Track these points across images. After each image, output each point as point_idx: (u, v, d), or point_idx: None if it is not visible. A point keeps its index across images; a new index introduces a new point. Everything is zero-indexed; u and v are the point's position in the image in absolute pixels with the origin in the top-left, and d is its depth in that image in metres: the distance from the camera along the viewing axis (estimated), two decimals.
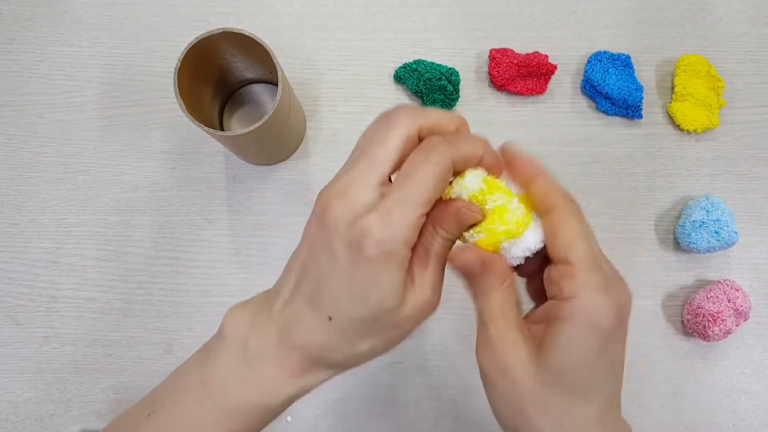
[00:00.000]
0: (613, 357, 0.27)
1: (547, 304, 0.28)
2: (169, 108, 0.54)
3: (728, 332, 0.49)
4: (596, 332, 0.26)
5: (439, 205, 0.28)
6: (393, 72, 0.54)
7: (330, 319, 0.28)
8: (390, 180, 0.28)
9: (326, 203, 0.27)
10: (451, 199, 0.28)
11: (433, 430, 0.51)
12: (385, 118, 0.28)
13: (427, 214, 0.27)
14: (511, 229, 0.28)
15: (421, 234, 0.28)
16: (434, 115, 0.28)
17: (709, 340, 0.50)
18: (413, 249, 0.28)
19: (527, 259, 0.29)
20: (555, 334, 0.26)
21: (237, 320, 0.31)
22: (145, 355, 0.51)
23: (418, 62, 0.53)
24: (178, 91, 0.41)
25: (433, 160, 0.26)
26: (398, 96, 0.55)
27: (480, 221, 0.29)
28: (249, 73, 0.51)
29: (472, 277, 0.29)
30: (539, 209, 0.29)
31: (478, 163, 0.28)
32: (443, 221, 0.28)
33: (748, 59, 0.55)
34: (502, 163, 0.29)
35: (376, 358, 0.30)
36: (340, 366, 0.30)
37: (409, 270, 0.28)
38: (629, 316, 0.28)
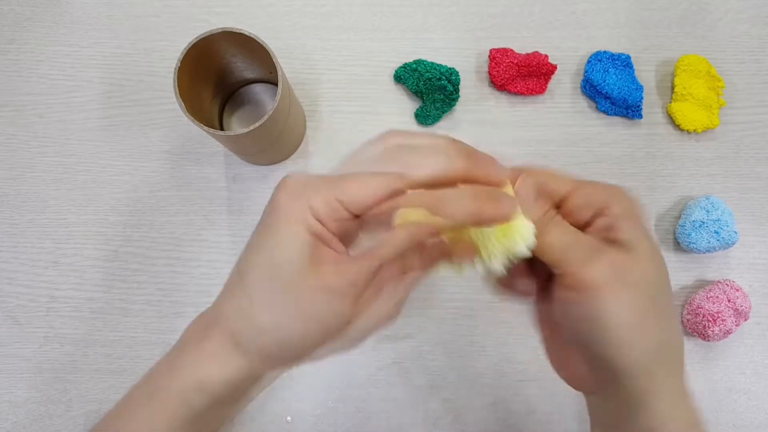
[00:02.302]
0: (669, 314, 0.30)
1: (598, 223, 0.30)
2: (169, 108, 0.54)
3: (728, 332, 0.49)
4: (644, 215, 0.30)
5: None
6: (393, 72, 0.54)
7: (241, 278, 0.28)
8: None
9: (284, 178, 0.29)
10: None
11: (433, 430, 0.51)
12: (390, 146, 0.29)
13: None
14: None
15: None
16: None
17: (709, 340, 0.50)
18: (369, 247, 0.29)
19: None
20: (628, 228, 0.29)
21: (193, 322, 0.33)
22: (145, 355, 0.51)
23: (418, 62, 0.53)
24: (178, 91, 0.41)
25: (383, 177, 0.27)
26: (398, 96, 0.55)
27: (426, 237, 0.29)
28: (249, 73, 0.51)
29: (534, 202, 0.30)
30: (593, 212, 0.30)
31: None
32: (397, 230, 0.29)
33: (748, 59, 0.55)
34: (503, 219, 0.29)
35: (285, 351, 0.28)
36: (249, 349, 0.28)
37: (346, 259, 0.28)
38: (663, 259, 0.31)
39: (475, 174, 0.28)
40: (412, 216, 0.29)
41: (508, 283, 0.33)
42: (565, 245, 0.29)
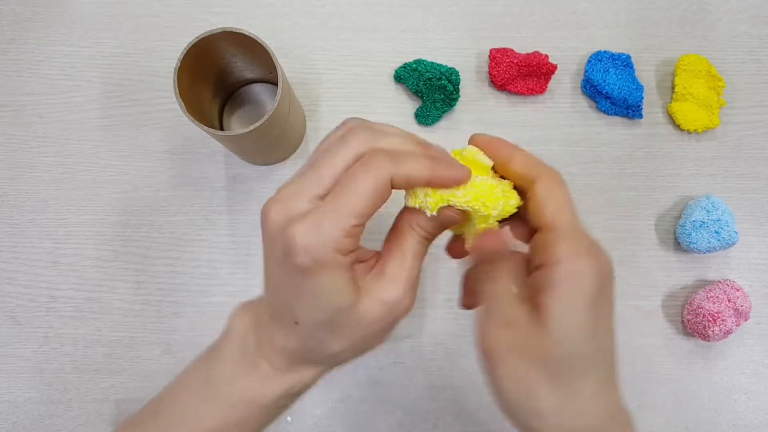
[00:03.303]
0: (604, 323, 0.28)
1: (534, 275, 0.28)
2: (169, 108, 0.54)
3: (728, 332, 0.49)
4: (584, 296, 0.26)
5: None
6: (393, 72, 0.54)
7: (296, 323, 0.29)
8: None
9: (266, 210, 0.28)
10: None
11: (433, 430, 0.51)
12: (342, 135, 0.28)
13: (398, 217, 0.29)
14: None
15: (397, 230, 0.30)
16: (391, 141, 0.28)
17: (709, 340, 0.50)
18: (388, 243, 0.29)
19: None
20: (549, 302, 0.26)
21: (241, 318, 0.32)
22: (145, 355, 0.51)
23: (418, 62, 0.53)
24: (178, 91, 0.41)
25: (371, 173, 0.26)
26: (398, 96, 0.55)
27: (459, 222, 0.30)
28: (249, 73, 0.51)
29: (490, 262, 0.29)
30: (523, 182, 0.30)
31: (427, 184, 0.28)
32: (420, 219, 0.29)
33: (748, 59, 0.55)
34: (458, 179, 0.29)
35: (363, 354, 0.30)
36: (324, 363, 0.31)
37: (380, 266, 0.29)
38: (613, 281, 0.28)
39: (441, 171, 0.29)
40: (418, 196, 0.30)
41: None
42: (483, 307, 0.29)
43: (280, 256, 0.27)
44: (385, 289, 0.28)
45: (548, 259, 0.27)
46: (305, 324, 0.28)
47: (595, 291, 0.26)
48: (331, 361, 0.31)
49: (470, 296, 0.34)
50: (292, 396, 0.32)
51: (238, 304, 0.33)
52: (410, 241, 0.29)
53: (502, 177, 0.31)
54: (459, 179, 0.28)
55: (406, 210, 0.30)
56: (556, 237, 0.27)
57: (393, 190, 0.28)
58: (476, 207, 0.29)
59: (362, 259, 0.30)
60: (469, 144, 0.31)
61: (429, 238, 0.30)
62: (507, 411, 0.28)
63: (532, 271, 0.29)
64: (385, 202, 0.27)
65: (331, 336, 0.28)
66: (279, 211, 0.27)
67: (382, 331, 0.29)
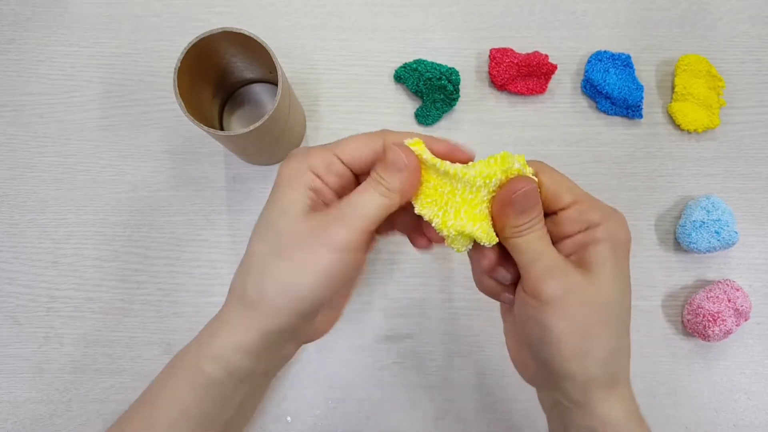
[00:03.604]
0: (629, 269, 0.32)
1: (576, 238, 0.31)
2: (169, 108, 0.54)
3: (728, 332, 0.49)
4: (625, 245, 0.31)
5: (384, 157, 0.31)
6: (393, 72, 0.54)
7: (251, 248, 0.31)
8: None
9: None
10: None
11: (432, 431, 0.51)
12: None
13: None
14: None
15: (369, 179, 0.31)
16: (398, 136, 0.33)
17: (709, 340, 0.50)
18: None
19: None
20: (600, 253, 0.30)
21: None
22: (145, 355, 0.51)
23: (418, 62, 0.53)
24: (178, 91, 0.41)
25: (369, 134, 0.32)
26: (398, 96, 0.55)
27: (405, 167, 0.31)
28: (249, 73, 0.51)
29: (523, 211, 0.30)
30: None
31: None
32: (379, 167, 0.31)
33: (749, 59, 0.55)
34: (454, 147, 0.32)
35: (292, 309, 0.29)
36: (263, 314, 0.29)
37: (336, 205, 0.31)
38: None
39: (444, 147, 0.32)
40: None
41: (489, 270, 0.34)
42: (533, 253, 0.30)
43: (275, 179, 0.32)
44: (324, 212, 0.30)
45: (587, 223, 0.30)
46: (256, 247, 0.30)
47: (628, 240, 0.31)
48: (270, 307, 0.29)
49: (425, 237, 0.35)
50: (257, 357, 0.30)
51: None
52: (366, 185, 0.30)
53: None
54: (462, 149, 0.32)
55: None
56: (587, 207, 0.31)
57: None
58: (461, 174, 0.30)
59: (330, 204, 0.32)
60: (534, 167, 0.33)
61: (382, 182, 0.30)
62: (559, 356, 0.29)
63: (560, 242, 0.31)
64: (375, 155, 0.31)
65: (262, 247, 0.30)
66: (296, 150, 0.32)
67: (321, 269, 0.29)
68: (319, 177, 0.31)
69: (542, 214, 0.31)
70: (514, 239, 0.30)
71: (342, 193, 0.32)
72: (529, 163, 0.32)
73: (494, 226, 0.31)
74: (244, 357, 0.30)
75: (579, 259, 0.30)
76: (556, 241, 0.32)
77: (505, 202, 0.30)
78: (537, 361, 0.32)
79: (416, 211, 0.32)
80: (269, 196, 0.31)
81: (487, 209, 0.31)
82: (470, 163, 0.31)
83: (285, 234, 0.29)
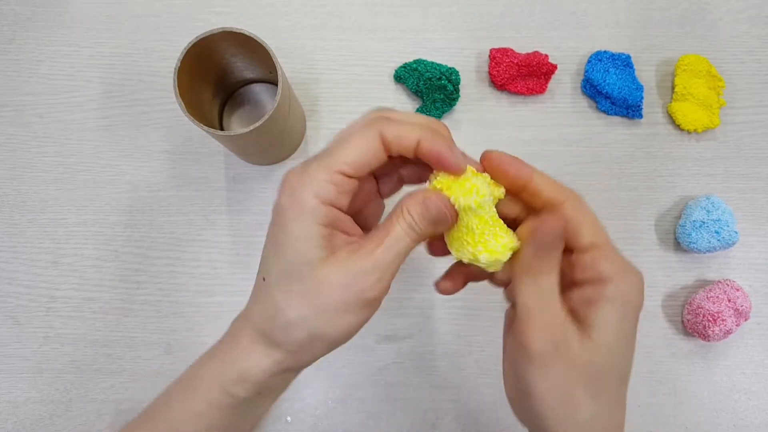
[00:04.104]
0: (635, 339, 0.29)
1: (584, 290, 0.28)
2: (169, 108, 0.54)
3: (728, 332, 0.49)
4: (635, 310, 0.28)
5: (413, 193, 0.29)
6: (393, 72, 0.54)
7: (264, 280, 0.29)
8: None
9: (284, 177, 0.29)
10: (426, 189, 0.29)
11: (432, 430, 0.51)
12: (362, 120, 0.29)
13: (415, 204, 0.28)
14: (498, 256, 0.29)
15: (389, 215, 0.29)
16: (398, 113, 0.29)
17: (709, 340, 0.50)
18: (380, 225, 0.29)
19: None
20: (603, 314, 0.27)
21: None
22: (145, 355, 0.51)
23: (418, 62, 0.53)
24: (178, 91, 0.41)
25: (364, 128, 0.28)
26: (398, 96, 0.55)
27: (447, 220, 0.29)
28: (249, 73, 0.51)
29: (542, 252, 0.28)
30: (546, 204, 0.29)
31: (416, 150, 0.28)
32: (411, 204, 0.28)
33: (749, 59, 0.55)
34: (443, 155, 0.28)
35: (316, 342, 0.28)
36: (280, 344, 0.29)
37: (360, 240, 0.28)
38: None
39: (429, 142, 0.29)
40: (442, 184, 0.29)
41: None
42: (535, 301, 0.28)
43: (275, 202, 0.29)
44: (354, 259, 0.27)
45: (597, 275, 0.28)
46: (270, 279, 0.28)
47: (638, 306, 0.28)
48: (287, 339, 0.28)
49: (454, 280, 0.33)
50: (281, 380, 0.30)
51: None
52: (395, 225, 0.28)
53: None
54: (452, 163, 0.28)
55: (402, 199, 0.30)
56: (602, 256, 0.28)
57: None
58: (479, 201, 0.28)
59: (349, 231, 0.29)
60: (482, 161, 0.30)
61: (415, 228, 0.28)
62: (536, 412, 0.28)
63: (569, 287, 0.29)
64: (377, 157, 0.28)
65: (288, 296, 0.27)
66: (292, 171, 0.29)
67: (343, 307, 0.27)
68: (329, 204, 0.27)
69: (559, 258, 0.28)
70: (521, 277, 0.28)
71: (353, 204, 0.29)
72: (560, 191, 0.29)
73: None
74: (273, 380, 0.30)
75: (581, 316, 0.28)
76: (566, 286, 0.29)
77: (527, 239, 0.28)
78: (523, 406, 0.30)
79: (456, 257, 0.30)
80: (274, 230, 0.28)
81: (487, 229, 0.29)
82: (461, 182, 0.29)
83: (312, 284, 0.27)
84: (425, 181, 0.31)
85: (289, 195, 0.27)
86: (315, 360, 0.30)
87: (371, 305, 0.28)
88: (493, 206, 0.29)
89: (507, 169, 0.29)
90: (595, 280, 0.28)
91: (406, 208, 0.28)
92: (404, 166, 0.32)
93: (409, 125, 0.28)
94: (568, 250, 0.29)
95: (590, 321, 0.28)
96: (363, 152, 0.27)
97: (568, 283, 0.29)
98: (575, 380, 0.27)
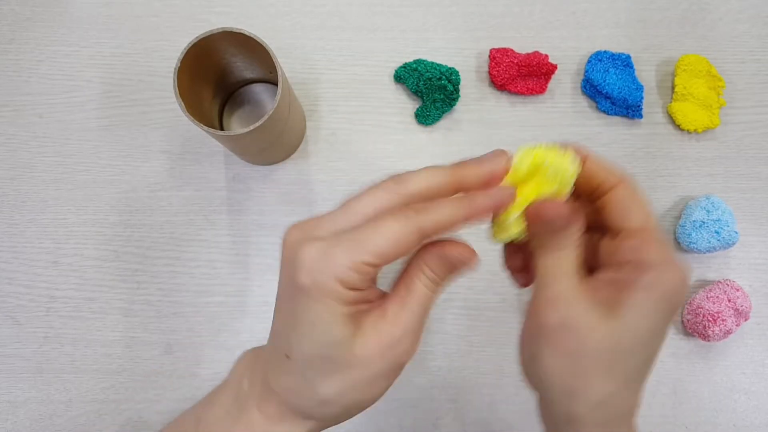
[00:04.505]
0: (668, 327, 0.28)
1: (619, 271, 0.28)
2: (169, 108, 0.54)
3: (728, 332, 0.49)
4: (673, 305, 0.27)
5: (428, 245, 0.28)
6: (393, 72, 0.54)
7: (288, 357, 0.27)
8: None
9: (286, 232, 0.27)
10: (441, 240, 0.28)
11: (432, 430, 0.51)
12: (372, 184, 0.27)
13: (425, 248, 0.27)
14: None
15: (406, 268, 0.28)
16: (418, 179, 0.27)
17: (709, 340, 0.50)
18: (396, 283, 0.28)
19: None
20: (636, 300, 0.26)
21: (240, 362, 0.31)
22: (145, 355, 0.51)
23: (418, 62, 0.53)
24: (178, 91, 0.41)
25: (399, 220, 0.25)
26: (398, 96, 0.55)
27: (469, 265, 0.28)
28: (249, 73, 0.51)
29: (551, 231, 0.27)
30: (599, 187, 0.29)
31: (465, 223, 0.27)
32: (429, 259, 0.28)
33: (749, 59, 0.55)
34: (498, 206, 0.28)
35: (358, 409, 0.28)
36: (315, 417, 0.28)
37: (383, 305, 0.27)
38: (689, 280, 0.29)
39: (467, 178, 0.28)
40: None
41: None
42: (550, 275, 0.28)
43: (288, 276, 0.26)
44: (384, 328, 0.27)
45: (641, 260, 0.27)
46: (296, 358, 0.27)
47: (679, 302, 0.27)
48: (322, 414, 0.28)
49: (525, 274, 0.32)
50: None
51: (245, 351, 0.32)
52: (417, 283, 0.27)
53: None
54: (499, 204, 0.28)
55: (418, 252, 0.29)
56: (649, 243, 0.27)
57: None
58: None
59: (369, 299, 0.28)
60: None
61: (437, 281, 0.28)
62: (545, 383, 0.28)
63: (608, 268, 0.28)
64: (408, 252, 0.26)
65: (321, 376, 0.26)
66: (298, 233, 0.27)
67: (379, 376, 0.27)
68: (353, 289, 0.26)
69: (575, 236, 0.28)
70: (536, 251, 0.28)
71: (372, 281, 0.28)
72: (612, 174, 0.29)
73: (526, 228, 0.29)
74: None
75: (610, 298, 0.27)
76: (600, 264, 0.29)
77: (535, 217, 0.28)
78: (533, 373, 0.30)
79: (496, 241, 0.29)
80: (293, 307, 0.26)
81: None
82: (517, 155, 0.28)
83: (345, 363, 0.26)
84: None
85: (310, 277, 0.25)
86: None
87: (404, 366, 0.28)
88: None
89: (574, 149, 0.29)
90: (636, 265, 0.27)
91: (424, 264, 0.28)
92: None
93: (447, 210, 0.26)
94: (615, 232, 0.29)
95: (621, 303, 0.27)
96: (397, 246, 0.25)
97: (608, 264, 0.29)
98: (588, 358, 0.27)
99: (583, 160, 0.29)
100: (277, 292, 0.28)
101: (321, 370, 0.26)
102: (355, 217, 0.26)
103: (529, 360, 0.29)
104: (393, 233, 0.25)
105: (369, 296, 0.28)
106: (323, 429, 0.29)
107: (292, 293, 0.26)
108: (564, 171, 0.28)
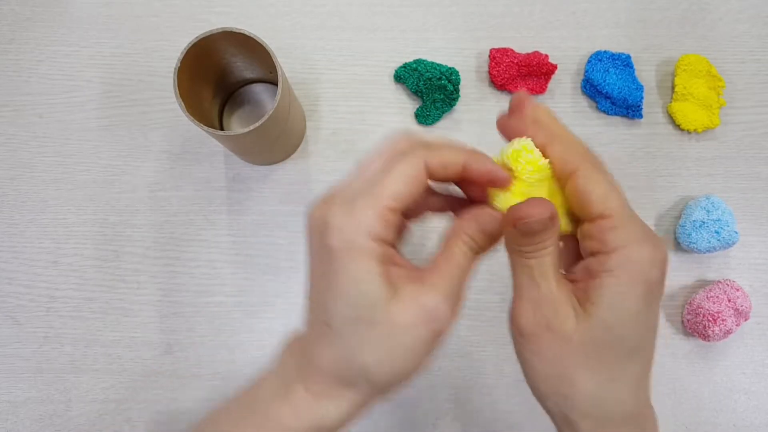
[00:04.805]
0: (655, 313, 0.27)
1: (587, 261, 0.27)
2: (169, 108, 0.54)
3: (728, 332, 0.49)
4: (645, 284, 0.26)
5: (463, 215, 0.28)
6: (393, 72, 0.54)
7: (328, 325, 0.27)
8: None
9: (310, 208, 0.28)
10: (479, 209, 0.28)
11: (433, 431, 0.51)
12: (384, 142, 0.28)
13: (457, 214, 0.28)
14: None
15: (445, 241, 0.28)
16: (429, 137, 0.28)
17: (709, 340, 0.50)
18: (435, 256, 0.28)
19: None
20: (604, 287, 0.26)
21: (287, 345, 0.31)
22: (145, 355, 0.51)
23: (418, 62, 0.53)
24: (178, 91, 0.41)
25: (406, 159, 0.26)
26: (398, 96, 0.55)
27: (498, 232, 0.28)
28: (249, 73, 0.51)
29: (531, 233, 0.26)
30: (561, 174, 0.28)
31: (462, 173, 0.28)
32: (468, 227, 0.28)
33: (749, 59, 0.55)
34: (494, 174, 0.28)
35: (404, 378, 0.27)
36: (360, 385, 0.28)
37: (421, 273, 0.27)
38: (667, 271, 0.27)
39: (474, 164, 0.28)
40: (504, 200, 0.28)
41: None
42: (526, 280, 0.27)
43: (318, 245, 0.27)
44: (422, 294, 0.26)
45: (604, 246, 0.26)
46: (336, 324, 0.26)
47: (655, 281, 0.26)
48: (367, 384, 0.27)
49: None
50: (353, 419, 0.29)
51: (289, 335, 0.32)
52: (455, 250, 0.27)
53: None
54: (497, 177, 0.28)
55: (455, 221, 0.29)
56: (611, 224, 0.26)
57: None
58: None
59: (401, 264, 0.28)
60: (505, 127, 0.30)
61: (475, 248, 0.28)
62: (538, 392, 0.28)
63: (579, 261, 0.28)
64: (421, 188, 0.27)
65: (361, 342, 0.26)
66: (321, 205, 0.27)
67: (419, 344, 0.26)
68: (382, 241, 0.26)
69: (555, 238, 0.27)
70: (510, 255, 0.28)
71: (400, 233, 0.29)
72: (569, 161, 0.28)
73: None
74: (349, 421, 0.29)
75: (583, 290, 0.27)
76: (577, 259, 0.28)
77: (508, 224, 0.27)
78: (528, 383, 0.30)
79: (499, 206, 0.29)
80: (328, 274, 0.26)
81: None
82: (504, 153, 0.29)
83: (386, 326, 0.26)
84: (447, 211, 0.31)
85: (341, 237, 0.25)
86: (391, 394, 0.29)
87: (445, 334, 0.27)
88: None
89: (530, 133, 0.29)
90: (600, 252, 0.26)
91: (462, 232, 0.28)
92: (430, 196, 0.31)
93: (451, 150, 0.28)
94: (581, 221, 0.28)
95: (589, 295, 0.26)
96: (409, 184, 0.26)
97: (578, 256, 0.28)
98: (571, 358, 0.26)
99: (543, 150, 0.28)
100: (309, 269, 0.28)
101: (361, 335, 0.26)
102: (368, 173, 0.27)
103: (525, 369, 0.29)
104: (404, 172, 0.26)
105: (401, 261, 0.28)
106: (369, 403, 0.29)
107: (324, 259, 0.26)
108: (537, 166, 0.28)
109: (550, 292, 0.27)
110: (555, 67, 0.53)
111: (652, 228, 0.53)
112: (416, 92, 0.53)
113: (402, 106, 0.54)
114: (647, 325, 0.27)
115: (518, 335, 0.28)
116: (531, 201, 0.26)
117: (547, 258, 0.27)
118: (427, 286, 0.27)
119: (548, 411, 0.29)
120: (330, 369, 0.28)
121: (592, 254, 0.27)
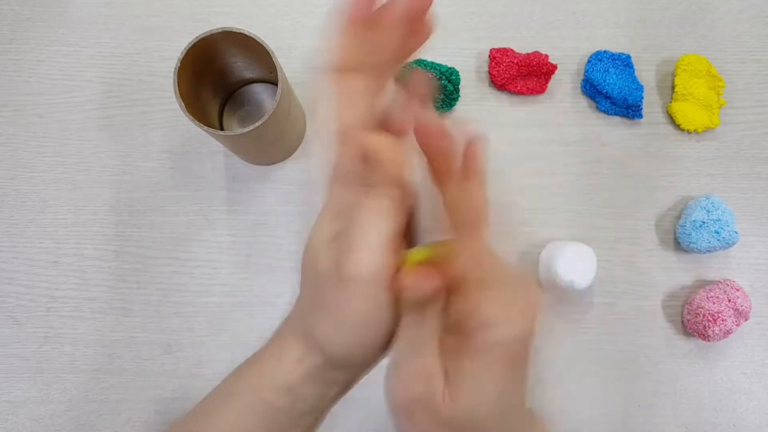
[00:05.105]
0: (521, 379, 0.26)
1: (453, 338, 0.26)
2: (169, 108, 0.54)
3: (728, 332, 0.49)
4: (508, 361, 0.25)
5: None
6: None
7: (302, 285, 0.29)
8: None
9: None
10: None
11: None
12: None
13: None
14: None
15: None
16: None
17: (709, 340, 0.50)
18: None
19: None
20: (466, 373, 0.25)
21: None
22: (145, 355, 0.51)
23: (418, 62, 0.53)
24: (178, 91, 0.41)
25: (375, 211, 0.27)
26: (398, 96, 0.54)
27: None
28: (249, 73, 0.51)
29: (419, 304, 0.26)
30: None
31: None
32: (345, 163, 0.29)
33: (749, 59, 0.55)
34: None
35: (358, 345, 0.27)
36: (315, 349, 0.28)
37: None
38: (535, 331, 0.26)
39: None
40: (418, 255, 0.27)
41: None
42: (402, 353, 0.27)
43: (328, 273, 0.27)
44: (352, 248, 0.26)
45: (468, 318, 0.25)
46: (303, 288, 0.28)
47: (516, 354, 0.25)
48: (328, 349, 0.27)
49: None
50: (322, 390, 0.29)
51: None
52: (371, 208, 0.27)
53: None
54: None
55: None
56: (464, 300, 0.26)
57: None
58: None
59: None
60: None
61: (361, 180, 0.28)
62: None
63: (449, 330, 0.27)
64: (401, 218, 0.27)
65: (317, 299, 0.27)
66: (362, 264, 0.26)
67: (363, 298, 0.25)
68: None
69: (430, 310, 0.26)
70: (404, 328, 0.27)
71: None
72: (447, 243, 0.26)
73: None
74: (312, 387, 0.29)
75: (452, 363, 0.26)
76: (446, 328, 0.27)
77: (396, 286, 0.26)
78: None
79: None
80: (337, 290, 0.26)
81: None
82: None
83: (332, 291, 0.26)
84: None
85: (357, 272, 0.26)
86: (354, 377, 0.30)
87: (379, 281, 0.26)
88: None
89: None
90: (466, 320, 0.26)
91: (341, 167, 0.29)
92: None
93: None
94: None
95: (454, 375, 0.25)
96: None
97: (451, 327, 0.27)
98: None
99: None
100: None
101: (317, 296, 0.27)
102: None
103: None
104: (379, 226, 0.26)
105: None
106: (328, 373, 0.29)
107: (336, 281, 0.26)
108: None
109: (423, 367, 0.26)
110: (555, 67, 0.53)
111: (652, 228, 0.53)
112: None
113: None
114: (510, 402, 0.26)
115: (392, 407, 0.28)
116: (419, 271, 0.25)
117: (423, 331, 0.26)
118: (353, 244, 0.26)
119: None
120: (296, 325, 0.29)
121: (458, 320, 0.26)
